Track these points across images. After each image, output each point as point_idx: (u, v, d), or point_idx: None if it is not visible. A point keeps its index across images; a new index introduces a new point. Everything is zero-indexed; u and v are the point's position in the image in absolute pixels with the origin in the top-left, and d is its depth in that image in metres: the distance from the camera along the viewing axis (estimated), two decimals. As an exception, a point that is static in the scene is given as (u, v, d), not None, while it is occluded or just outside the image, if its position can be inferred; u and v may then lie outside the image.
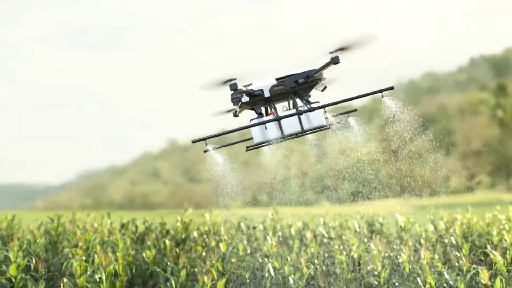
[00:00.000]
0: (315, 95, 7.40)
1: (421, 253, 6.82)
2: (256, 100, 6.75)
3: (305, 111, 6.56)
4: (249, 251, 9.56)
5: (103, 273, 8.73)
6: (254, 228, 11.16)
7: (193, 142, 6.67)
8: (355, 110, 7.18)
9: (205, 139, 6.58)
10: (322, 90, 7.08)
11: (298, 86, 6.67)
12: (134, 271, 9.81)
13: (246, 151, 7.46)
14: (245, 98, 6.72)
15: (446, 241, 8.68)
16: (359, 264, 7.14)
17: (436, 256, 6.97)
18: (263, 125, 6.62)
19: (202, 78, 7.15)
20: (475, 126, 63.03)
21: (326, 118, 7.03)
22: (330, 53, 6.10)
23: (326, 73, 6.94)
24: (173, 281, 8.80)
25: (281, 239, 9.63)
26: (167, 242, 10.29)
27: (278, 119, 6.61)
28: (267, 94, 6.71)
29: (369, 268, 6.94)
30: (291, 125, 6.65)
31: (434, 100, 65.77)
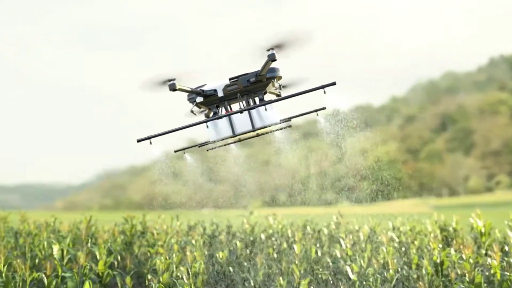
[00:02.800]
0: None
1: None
2: (210, 100, 6.81)
3: (248, 109, 6.64)
4: (319, 253, 10.14)
5: (189, 270, 9.40)
6: (319, 231, 11.75)
7: (138, 141, 6.70)
8: (324, 108, 7.08)
9: (149, 138, 6.62)
10: (280, 89, 7.09)
11: (251, 85, 6.69)
12: (210, 270, 10.48)
13: (207, 150, 7.60)
14: (199, 98, 6.79)
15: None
16: (442, 270, 7.62)
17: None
18: (217, 124, 6.70)
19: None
20: (495, 126, 62.80)
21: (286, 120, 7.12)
22: (267, 50, 6.11)
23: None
24: (251, 281, 9.42)
25: (352, 242, 10.17)
26: (238, 243, 10.93)
27: (221, 117, 6.68)
28: (221, 94, 6.77)
29: (453, 273, 7.41)
30: (243, 123, 6.71)
31: (454, 99, 65.52)
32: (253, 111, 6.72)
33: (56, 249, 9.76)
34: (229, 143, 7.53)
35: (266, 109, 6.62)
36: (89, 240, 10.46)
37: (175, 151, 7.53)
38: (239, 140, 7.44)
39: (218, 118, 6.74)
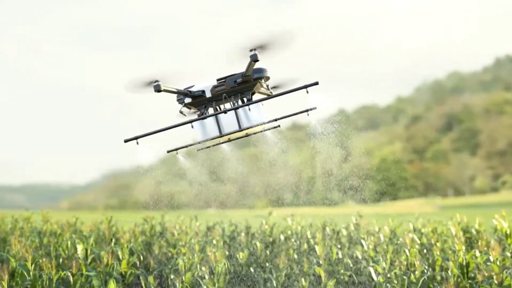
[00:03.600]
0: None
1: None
2: (199, 101, 6.85)
3: (231, 109, 6.68)
4: (340, 255, 10.23)
5: (213, 270, 9.51)
6: (338, 233, 11.84)
7: (125, 141, 6.73)
8: (315, 108, 7.01)
9: (136, 138, 6.69)
10: (268, 89, 7.08)
11: (238, 86, 6.72)
12: (232, 270, 10.58)
13: (197, 150, 7.64)
14: (187, 99, 6.83)
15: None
16: (467, 272, 7.69)
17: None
18: (204, 124, 6.76)
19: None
20: (501, 126, 62.87)
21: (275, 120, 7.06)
22: (250, 51, 6.13)
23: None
24: (274, 282, 9.51)
25: (373, 243, 10.26)
26: (258, 244, 11.03)
27: (205, 117, 6.73)
28: (209, 94, 6.80)
29: (480, 276, 7.46)
30: (230, 124, 6.74)
31: (459, 100, 65.60)
32: (240, 111, 6.77)
33: (80, 248, 9.89)
34: (220, 143, 7.56)
35: (250, 109, 6.67)
36: (112, 240, 10.59)
37: (168, 151, 7.58)
38: (229, 140, 7.47)
39: (202, 119, 6.81)
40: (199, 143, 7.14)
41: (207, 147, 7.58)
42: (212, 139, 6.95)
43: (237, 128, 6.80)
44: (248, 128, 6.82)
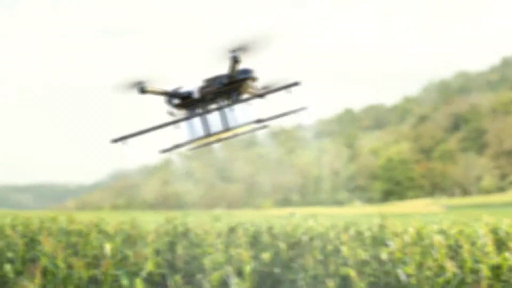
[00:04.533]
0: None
1: None
2: (188, 102, 6.93)
3: (216, 109, 6.80)
4: (364, 256, 10.23)
5: (241, 270, 9.58)
6: (361, 234, 11.84)
7: (114, 141, 6.84)
8: (305, 108, 7.17)
9: (124, 138, 6.81)
10: (256, 89, 7.14)
11: (225, 87, 6.80)
12: (257, 270, 10.61)
13: (189, 150, 7.78)
14: (176, 100, 6.93)
15: None
16: (500, 274, 7.70)
17: None
18: (191, 124, 6.86)
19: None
20: (507, 125, 62.66)
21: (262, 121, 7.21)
22: (232, 52, 6.22)
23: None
24: (301, 282, 9.54)
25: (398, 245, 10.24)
26: (281, 245, 11.06)
27: (188, 117, 6.82)
28: (196, 95, 6.90)
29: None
30: (216, 123, 6.84)
31: (466, 100, 65.44)
32: (226, 111, 6.83)
33: (108, 248, 9.97)
34: (211, 142, 7.58)
35: (235, 109, 6.75)
36: (137, 240, 10.66)
37: (163, 151, 7.61)
38: (219, 140, 7.48)
39: (187, 119, 6.87)
40: (190, 143, 7.17)
41: (199, 147, 7.62)
42: (199, 139, 6.99)
43: (223, 128, 6.85)
44: (234, 128, 6.87)
